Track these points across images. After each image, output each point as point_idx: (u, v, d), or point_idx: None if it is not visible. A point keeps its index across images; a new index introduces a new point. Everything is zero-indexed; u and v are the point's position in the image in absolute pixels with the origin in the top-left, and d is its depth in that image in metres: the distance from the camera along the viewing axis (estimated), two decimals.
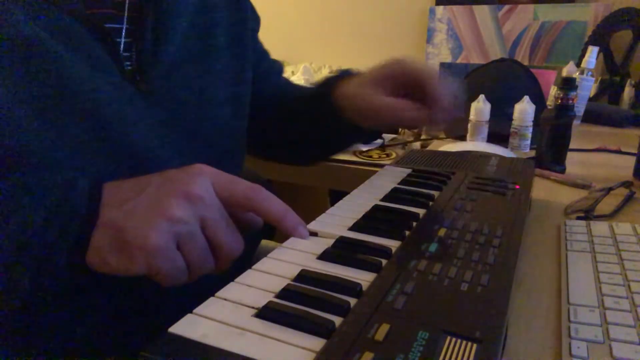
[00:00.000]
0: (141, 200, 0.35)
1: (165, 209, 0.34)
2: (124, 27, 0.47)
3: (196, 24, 0.52)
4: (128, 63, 0.47)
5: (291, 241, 0.40)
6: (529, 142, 0.97)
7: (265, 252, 0.37)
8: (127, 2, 0.46)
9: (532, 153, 0.89)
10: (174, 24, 0.49)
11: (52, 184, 0.36)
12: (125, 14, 0.46)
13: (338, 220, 0.44)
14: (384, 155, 1.07)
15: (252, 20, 0.62)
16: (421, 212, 0.47)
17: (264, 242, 0.79)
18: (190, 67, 0.52)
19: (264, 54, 0.70)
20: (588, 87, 1.32)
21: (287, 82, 0.73)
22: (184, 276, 0.36)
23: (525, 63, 1.90)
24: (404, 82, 0.54)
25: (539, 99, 1.10)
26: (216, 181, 0.37)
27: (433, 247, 0.38)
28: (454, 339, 0.26)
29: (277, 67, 0.73)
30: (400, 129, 1.33)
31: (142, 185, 0.37)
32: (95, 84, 0.43)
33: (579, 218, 0.60)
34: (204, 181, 0.37)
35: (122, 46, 0.46)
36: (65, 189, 0.35)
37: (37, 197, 0.35)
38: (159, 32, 0.48)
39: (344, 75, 0.61)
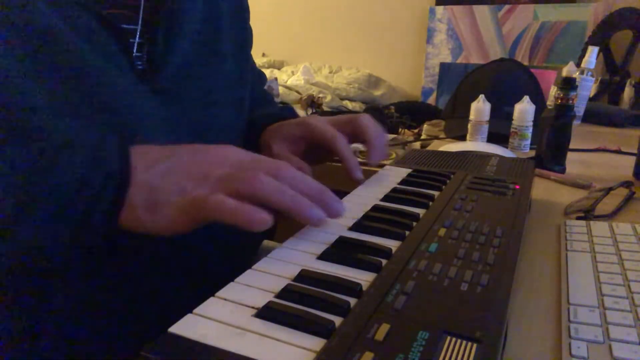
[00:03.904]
0: (168, 165, 0.37)
1: (190, 174, 0.37)
2: (138, 29, 0.48)
3: (203, 29, 0.54)
4: (139, 63, 0.48)
5: (291, 241, 0.40)
6: (529, 142, 0.97)
7: (266, 252, 0.37)
8: (141, 4, 0.48)
9: (532, 153, 0.89)
10: (184, 28, 0.51)
11: (82, 142, 0.37)
12: (140, 16, 0.48)
13: (338, 220, 0.44)
14: None
15: (249, 31, 0.65)
16: (421, 212, 0.47)
17: (264, 242, 0.79)
18: (197, 70, 0.54)
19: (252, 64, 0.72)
20: (588, 87, 1.32)
21: (259, 97, 0.74)
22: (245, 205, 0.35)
23: (525, 63, 1.90)
24: (311, 142, 0.60)
25: (539, 99, 1.10)
26: (241, 158, 0.40)
27: (433, 247, 0.38)
28: (454, 339, 0.26)
29: (262, 79, 0.78)
30: (400, 129, 1.33)
31: (169, 152, 0.39)
32: (111, 79, 0.44)
33: (579, 218, 0.60)
34: (229, 154, 0.40)
35: (135, 46, 0.48)
36: (97, 147, 0.36)
37: (68, 156, 0.35)
38: (170, 35, 0.50)
39: (280, 115, 0.67)
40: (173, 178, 0.37)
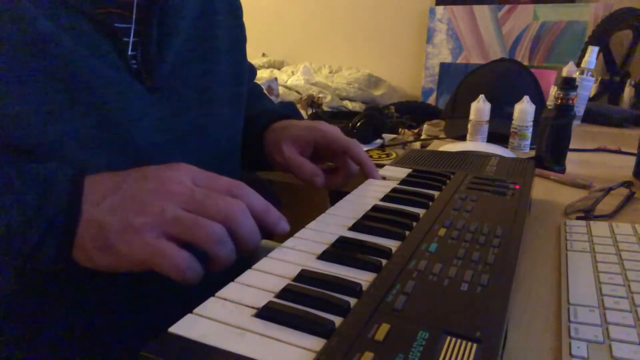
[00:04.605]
0: (118, 198, 0.36)
1: (142, 207, 0.35)
2: (132, 28, 0.47)
3: (198, 26, 0.54)
4: (134, 61, 0.48)
5: (291, 241, 0.40)
6: (529, 142, 0.97)
7: (265, 252, 0.37)
8: (134, 3, 0.47)
9: (532, 153, 0.89)
10: (178, 26, 0.51)
11: (34, 177, 0.36)
12: (134, 15, 0.47)
13: (338, 220, 0.44)
14: (384, 155, 1.07)
15: (243, 28, 0.65)
16: (421, 212, 0.47)
17: (264, 242, 0.79)
18: (192, 67, 0.53)
19: None
20: (588, 87, 1.32)
21: (249, 89, 0.74)
22: (195, 265, 0.35)
23: (525, 63, 1.90)
24: (320, 146, 0.61)
25: (539, 99, 1.10)
26: (194, 178, 0.38)
27: (433, 247, 0.38)
28: (454, 339, 0.26)
29: (253, 72, 0.78)
30: (400, 129, 1.33)
31: (119, 182, 0.37)
32: (104, 80, 0.44)
33: (579, 218, 0.60)
34: (181, 177, 0.38)
35: (130, 45, 0.47)
36: (47, 185, 0.35)
37: (18, 192, 0.34)
38: (164, 32, 0.49)
39: (284, 114, 0.68)
40: (122, 214, 0.35)
